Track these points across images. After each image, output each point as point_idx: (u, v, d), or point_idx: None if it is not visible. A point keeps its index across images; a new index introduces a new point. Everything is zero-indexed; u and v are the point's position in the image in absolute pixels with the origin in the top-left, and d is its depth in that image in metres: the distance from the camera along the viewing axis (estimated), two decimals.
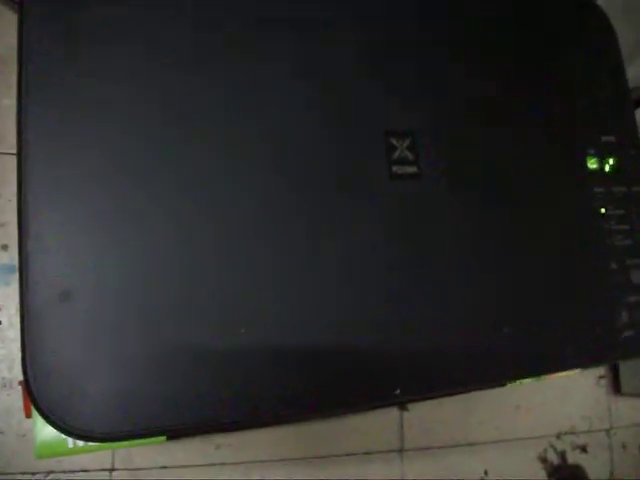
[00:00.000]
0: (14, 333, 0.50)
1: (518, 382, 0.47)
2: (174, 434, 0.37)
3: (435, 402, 0.61)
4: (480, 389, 0.48)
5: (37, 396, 0.35)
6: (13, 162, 0.50)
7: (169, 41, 0.41)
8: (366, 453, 0.58)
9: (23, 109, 0.39)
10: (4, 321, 0.51)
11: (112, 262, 0.37)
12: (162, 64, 0.41)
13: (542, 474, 0.64)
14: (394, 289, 0.42)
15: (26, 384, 0.35)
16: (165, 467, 0.52)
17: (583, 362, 0.48)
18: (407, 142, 0.45)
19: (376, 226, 0.43)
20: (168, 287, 0.37)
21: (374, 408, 0.44)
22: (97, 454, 0.51)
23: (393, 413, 0.59)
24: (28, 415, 0.36)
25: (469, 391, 0.47)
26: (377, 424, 0.59)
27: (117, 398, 0.36)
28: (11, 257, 0.52)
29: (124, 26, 0.41)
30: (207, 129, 0.40)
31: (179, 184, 0.39)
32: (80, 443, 0.37)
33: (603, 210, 0.52)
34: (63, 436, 0.36)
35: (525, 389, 0.65)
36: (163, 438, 0.38)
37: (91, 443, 0.36)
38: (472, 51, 0.50)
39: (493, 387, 0.48)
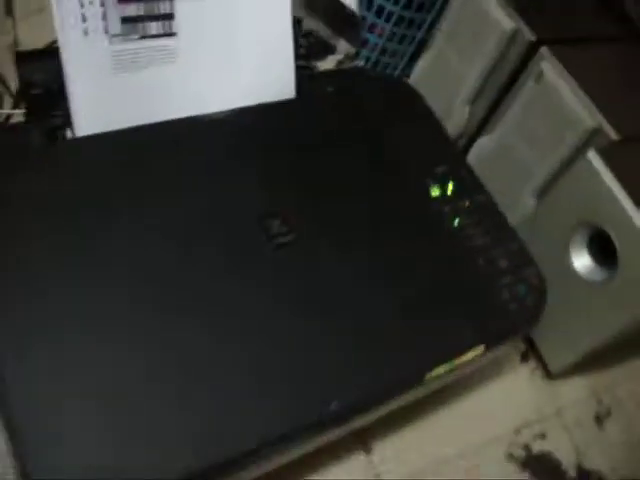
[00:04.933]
0: None
1: (435, 374, 0.58)
2: None
3: (394, 435, 0.71)
4: (408, 388, 0.59)
5: None
6: None
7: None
8: None
9: None
10: None
11: None
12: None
13: (516, 470, 0.73)
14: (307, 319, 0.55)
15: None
16: None
17: (484, 338, 0.61)
18: (279, 219, 0.59)
19: (275, 279, 0.56)
20: None
21: (322, 429, 0.54)
22: None
23: (361, 458, 0.69)
24: None
25: (400, 393, 0.58)
26: (349, 474, 0.68)
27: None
28: None
29: None
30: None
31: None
32: None
33: (457, 222, 0.66)
34: None
35: (472, 401, 0.76)
36: None
37: None
38: (324, 144, 0.67)
39: (419, 384, 0.59)
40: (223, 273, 0.56)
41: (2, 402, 0.46)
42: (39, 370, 0.47)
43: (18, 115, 0.81)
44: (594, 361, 0.81)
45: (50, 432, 0.45)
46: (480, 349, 0.61)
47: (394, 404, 0.60)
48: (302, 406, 0.52)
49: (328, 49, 0.94)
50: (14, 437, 0.45)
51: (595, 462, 0.77)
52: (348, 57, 0.96)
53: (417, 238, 0.65)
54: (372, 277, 0.60)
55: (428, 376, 0.58)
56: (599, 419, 0.80)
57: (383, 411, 0.60)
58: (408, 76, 0.97)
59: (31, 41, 0.88)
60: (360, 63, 0.95)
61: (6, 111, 0.81)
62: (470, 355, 0.60)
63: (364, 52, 0.94)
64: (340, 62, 0.96)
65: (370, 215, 0.64)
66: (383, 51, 0.94)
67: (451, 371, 0.60)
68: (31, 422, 0.45)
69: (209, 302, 0.54)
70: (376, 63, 0.96)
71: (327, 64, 0.94)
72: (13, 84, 0.83)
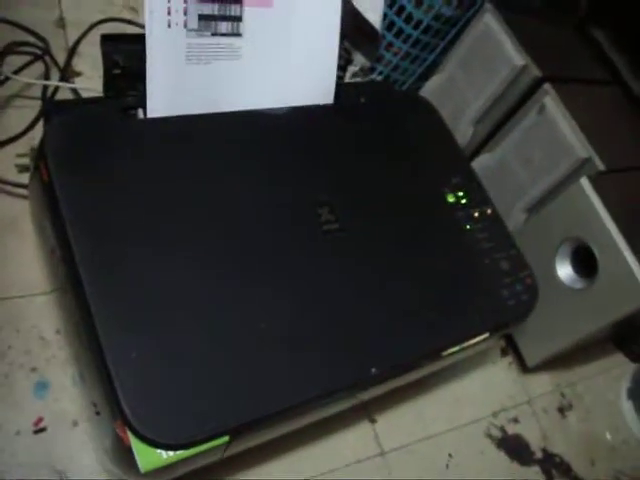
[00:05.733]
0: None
1: (450, 352, 0.69)
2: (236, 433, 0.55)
3: (395, 411, 0.81)
4: (427, 362, 0.69)
5: (134, 424, 0.52)
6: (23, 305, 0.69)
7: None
8: (357, 462, 0.76)
9: None
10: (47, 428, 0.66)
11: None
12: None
13: (492, 447, 0.85)
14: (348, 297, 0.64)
15: (124, 419, 0.51)
16: None
17: (488, 326, 0.71)
18: (327, 209, 0.69)
19: (321, 262, 0.65)
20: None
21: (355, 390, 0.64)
22: None
23: (367, 426, 0.79)
24: (127, 443, 0.53)
25: (422, 365, 0.68)
26: (357, 438, 0.78)
27: (187, 415, 0.54)
28: (41, 376, 0.68)
29: None
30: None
31: None
32: (170, 453, 0.53)
33: (468, 227, 0.77)
34: (157, 451, 0.53)
35: (458, 386, 0.87)
36: (226, 439, 0.55)
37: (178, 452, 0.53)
38: (359, 147, 0.77)
39: (436, 360, 0.69)
40: (279, 249, 0.65)
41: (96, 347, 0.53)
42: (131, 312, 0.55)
43: (64, 89, 0.87)
44: (560, 360, 0.94)
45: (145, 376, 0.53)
46: (485, 335, 0.72)
47: (413, 375, 0.70)
48: (348, 369, 0.61)
49: (348, 60, 1.03)
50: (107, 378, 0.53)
51: (558, 447, 0.89)
52: (362, 70, 1.05)
53: (436, 237, 0.75)
54: (400, 269, 0.70)
55: (444, 353, 0.69)
56: (562, 410, 0.93)
57: (403, 381, 0.70)
58: None
59: (75, 16, 0.94)
60: (375, 77, 1.05)
61: (54, 83, 0.87)
62: (476, 340, 0.71)
63: (378, 67, 1.05)
64: (355, 74, 1.05)
65: (399, 212, 0.74)
66: (395, 68, 1.04)
67: (460, 351, 0.70)
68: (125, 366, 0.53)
69: (265, 275, 0.63)
70: (386, 78, 1.06)
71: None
72: (60, 58, 0.90)
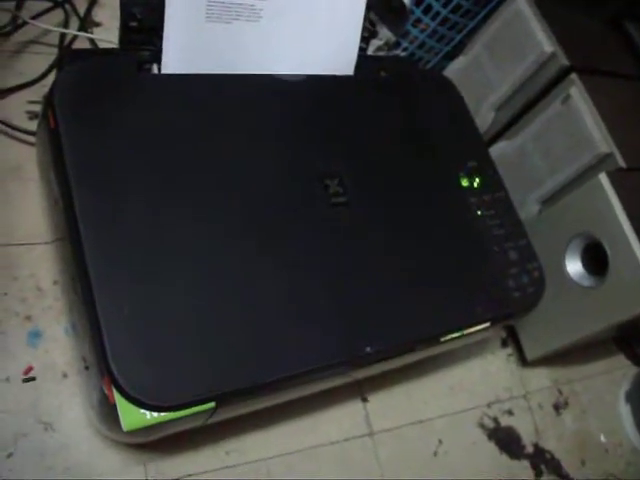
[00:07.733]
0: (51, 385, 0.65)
1: (449, 338, 0.67)
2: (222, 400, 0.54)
3: (388, 392, 0.80)
4: (425, 346, 0.68)
5: (121, 382, 0.51)
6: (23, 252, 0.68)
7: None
8: (345, 440, 0.75)
9: None
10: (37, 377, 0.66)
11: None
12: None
13: (484, 437, 0.84)
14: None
15: (111, 377, 0.51)
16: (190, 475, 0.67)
17: (490, 316, 0.70)
18: (336, 181, 0.67)
19: (326, 234, 0.64)
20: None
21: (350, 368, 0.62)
22: (130, 470, 0.65)
23: (358, 405, 0.78)
24: (112, 401, 0.52)
25: (419, 349, 0.67)
26: (347, 416, 0.77)
27: (175, 378, 0.53)
28: (35, 325, 0.67)
29: None
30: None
31: None
32: (155, 415, 0.52)
33: (479, 212, 0.75)
34: (142, 411, 0.52)
35: (454, 373, 0.86)
36: (212, 405, 0.54)
37: (162, 413, 0.53)
38: (375, 122, 0.75)
39: (433, 344, 0.68)
40: (283, 218, 0.63)
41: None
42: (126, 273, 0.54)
43: (82, 38, 0.86)
44: (560, 357, 0.92)
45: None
46: (486, 325, 0.70)
47: (409, 358, 0.69)
48: (343, 345, 0.60)
49: (373, 33, 1.01)
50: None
51: (550, 443, 0.88)
52: (387, 44, 1.03)
53: (446, 220, 0.73)
54: (406, 249, 0.68)
55: (443, 339, 0.67)
56: (557, 407, 0.92)
57: (398, 363, 0.69)
58: None
59: None
60: (399, 53, 1.03)
61: (72, 32, 0.85)
62: (477, 328, 0.70)
63: (403, 43, 1.02)
64: (379, 48, 1.03)
65: (410, 191, 0.72)
66: (421, 45, 1.02)
67: (460, 338, 0.69)
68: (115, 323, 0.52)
69: (266, 243, 0.61)
70: (411, 55, 1.04)
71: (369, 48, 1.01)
72: (81, 7, 0.88)
